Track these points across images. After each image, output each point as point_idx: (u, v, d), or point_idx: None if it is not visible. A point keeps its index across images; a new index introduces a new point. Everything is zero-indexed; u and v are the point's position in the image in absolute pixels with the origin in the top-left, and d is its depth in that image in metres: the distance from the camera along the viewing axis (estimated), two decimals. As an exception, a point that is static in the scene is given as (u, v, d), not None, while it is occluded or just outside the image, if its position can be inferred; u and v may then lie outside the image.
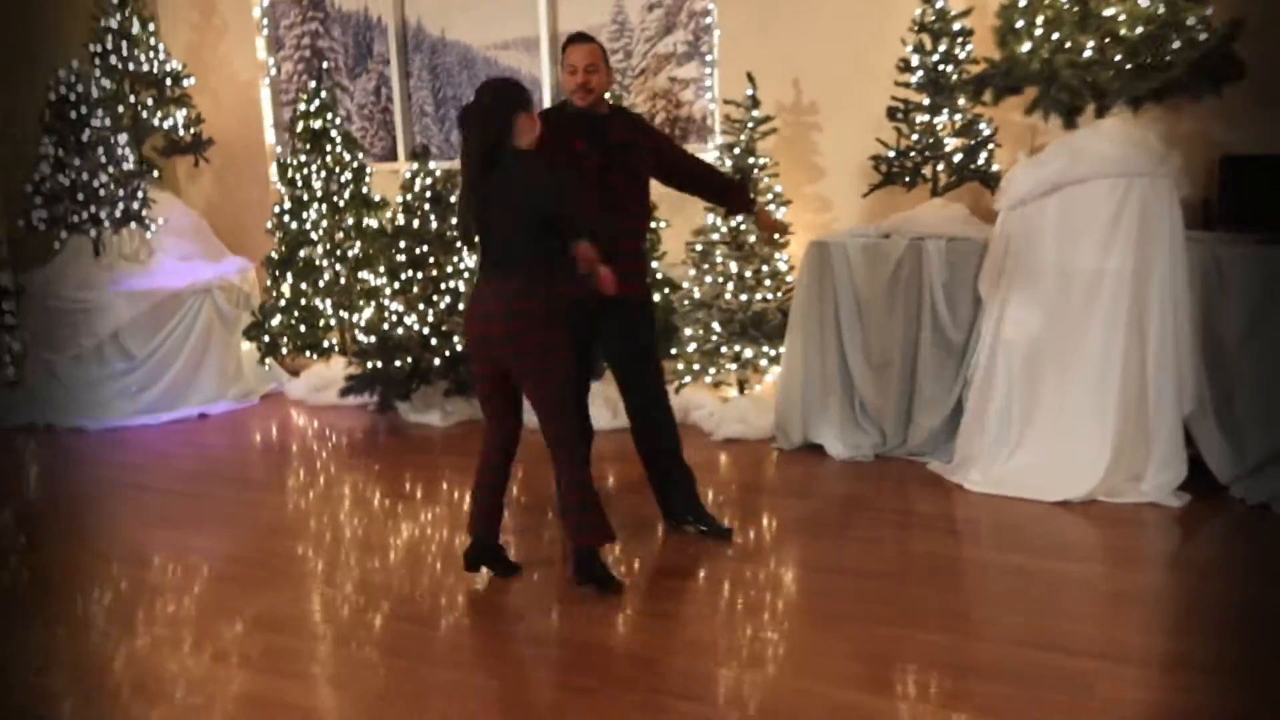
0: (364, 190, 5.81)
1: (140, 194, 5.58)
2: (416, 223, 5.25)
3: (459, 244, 5.16)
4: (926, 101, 4.41)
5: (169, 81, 6.04)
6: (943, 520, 3.75)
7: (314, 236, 5.76)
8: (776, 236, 3.82)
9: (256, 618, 3.10)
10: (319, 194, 5.76)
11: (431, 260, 5.23)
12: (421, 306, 5.21)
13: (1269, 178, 3.99)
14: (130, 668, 2.82)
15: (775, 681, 2.64)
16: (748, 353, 4.75)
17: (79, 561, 3.63)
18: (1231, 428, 3.86)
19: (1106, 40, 3.68)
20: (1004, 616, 2.96)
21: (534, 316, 3.00)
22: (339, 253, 5.74)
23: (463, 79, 5.99)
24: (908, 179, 4.53)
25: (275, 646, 2.91)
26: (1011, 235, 4.02)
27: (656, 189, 3.66)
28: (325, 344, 5.89)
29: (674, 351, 4.95)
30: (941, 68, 4.37)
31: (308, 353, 5.85)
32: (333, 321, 5.80)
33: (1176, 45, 3.61)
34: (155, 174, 6.19)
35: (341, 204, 5.78)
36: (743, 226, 4.73)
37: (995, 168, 4.44)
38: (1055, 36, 3.73)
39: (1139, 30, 3.64)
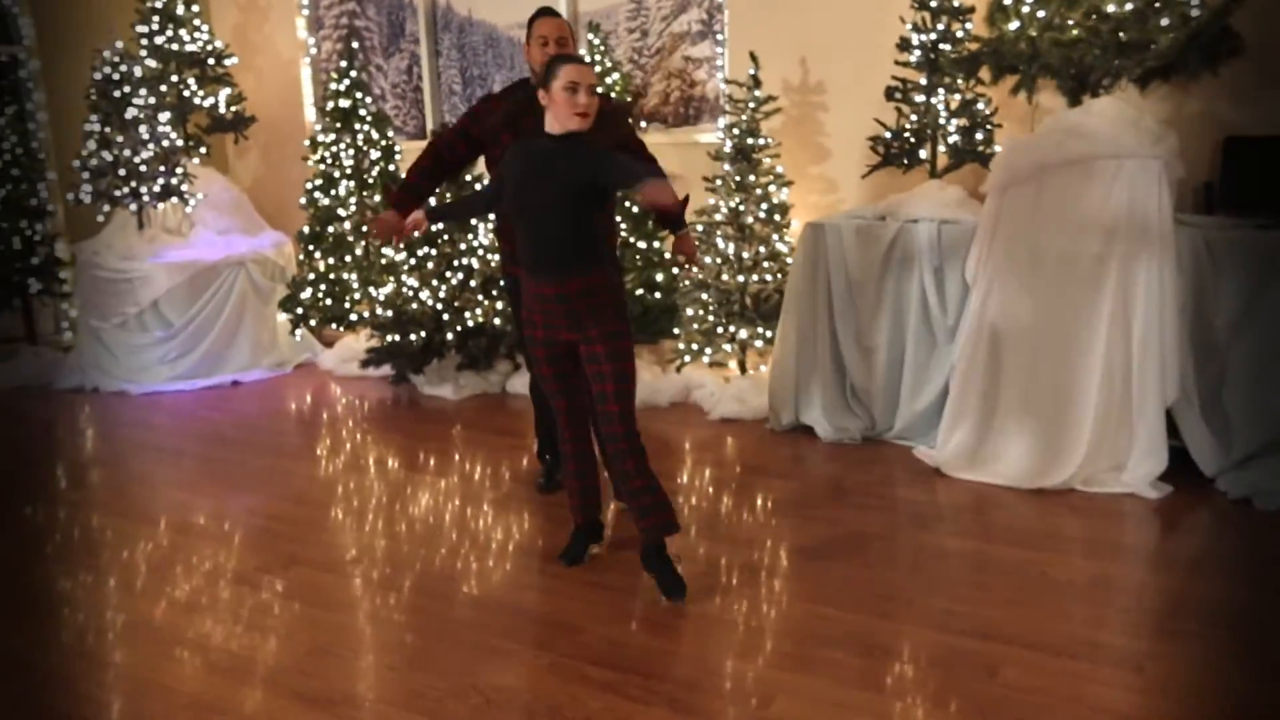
0: (391, 168, 6.00)
1: (180, 170, 5.87)
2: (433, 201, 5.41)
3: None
4: (924, 81, 4.35)
5: (211, 61, 6.31)
6: (910, 504, 3.74)
7: (341, 213, 5.98)
8: (687, 266, 3.79)
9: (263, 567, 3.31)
10: (349, 171, 5.97)
11: (445, 238, 5.39)
12: (435, 283, 5.38)
13: (1273, 160, 3.82)
14: (172, 615, 3.06)
15: (686, 652, 2.71)
16: (743, 333, 4.78)
17: (112, 510, 3.91)
18: (1219, 419, 3.74)
19: (1093, 18, 3.57)
20: (937, 601, 2.96)
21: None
22: (364, 229, 5.95)
23: (487, 58, 6.11)
24: (905, 160, 4.47)
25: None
26: (999, 218, 3.95)
27: None
28: (353, 317, 6.12)
29: (676, 331, 5.01)
30: (942, 47, 4.29)
31: (334, 325, 6.09)
32: (358, 295, 6.02)
33: (1165, 22, 3.48)
34: (204, 151, 6.49)
35: (370, 181, 5.99)
36: (742, 208, 4.75)
37: (996, 149, 4.35)
38: (1041, 14, 3.64)
39: (1128, 7, 3.53)
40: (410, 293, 5.44)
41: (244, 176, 7.12)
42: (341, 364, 6.10)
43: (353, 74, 5.93)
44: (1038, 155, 3.80)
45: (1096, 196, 3.71)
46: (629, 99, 5.34)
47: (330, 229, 6.01)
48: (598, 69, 5.12)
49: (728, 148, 4.73)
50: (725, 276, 4.79)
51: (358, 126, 5.97)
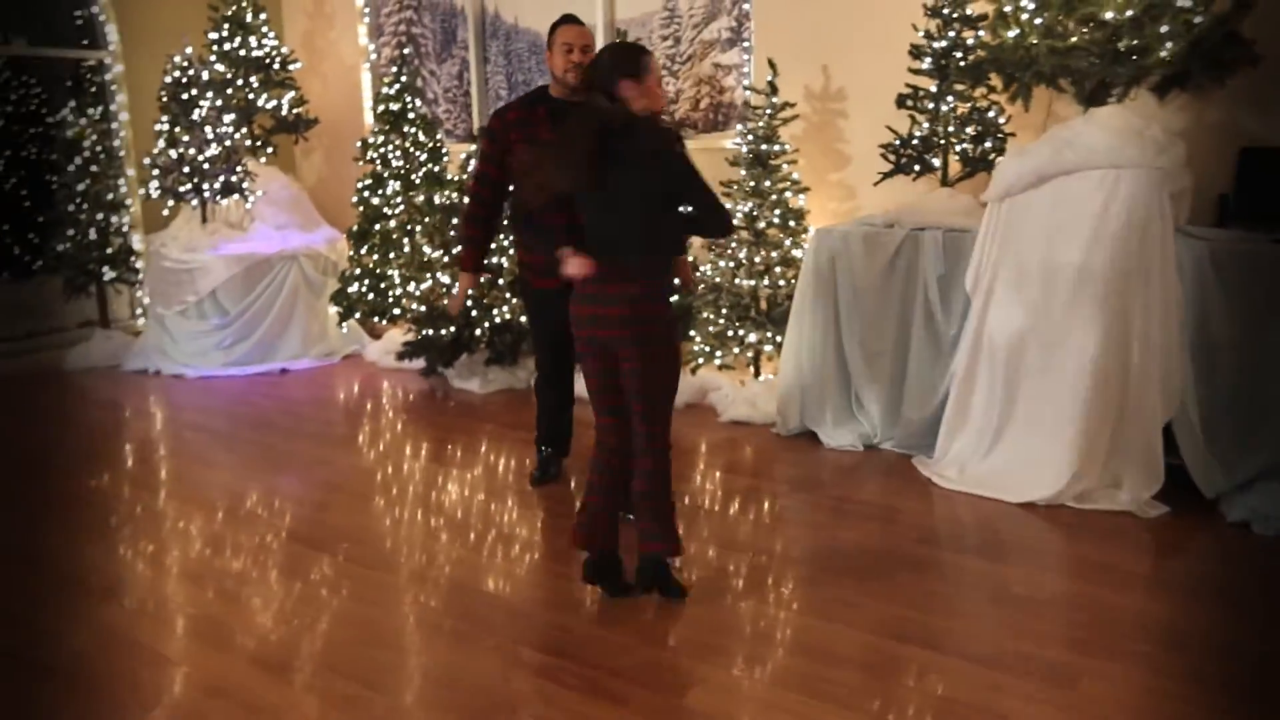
0: (435, 169, 6.22)
1: (240, 168, 6.22)
2: (467, 201, 5.60)
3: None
4: (934, 89, 4.32)
5: (275, 65, 6.66)
6: (893, 514, 3.72)
7: (388, 211, 6.23)
8: (684, 289, 3.79)
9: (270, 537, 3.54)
10: (398, 171, 6.22)
11: (477, 236, 5.57)
12: (465, 279, 5.56)
13: (1290, 173, 3.68)
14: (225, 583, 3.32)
15: (622, 641, 2.79)
16: (752, 337, 4.82)
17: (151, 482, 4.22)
18: (1221, 440, 3.61)
19: (1090, 25, 3.50)
20: (886, 607, 2.96)
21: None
22: (409, 227, 6.19)
23: (531, 64, 6.29)
24: (917, 168, 4.45)
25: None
26: (998, 228, 3.90)
27: None
28: (396, 311, 6.37)
29: (691, 333, 5.08)
30: (954, 54, 4.26)
31: (376, 318, 6.36)
32: (399, 291, 6.27)
33: (1164, 29, 3.39)
34: (270, 150, 6.86)
35: (416, 181, 6.23)
36: (755, 213, 4.79)
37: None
38: (1039, 22, 3.59)
39: (1128, 14, 3.45)
40: (443, 289, 5.64)
41: (309, 175, 7.48)
42: (384, 356, 6.37)
43: (403, 79, 6.18)
44: (1035, 165, 3.75)
45: (1095, 207, 3.64)
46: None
47: (377, 227, 6.27)
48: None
49: (744, 153, 4.78)
50: (738, 281, 4.83)
51: (407, 129, 6.22)
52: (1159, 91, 3.88)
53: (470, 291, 3.53)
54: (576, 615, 2.97)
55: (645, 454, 2.90)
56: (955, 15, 4.22)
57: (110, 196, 6.57)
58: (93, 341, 6.52)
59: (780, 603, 3.02)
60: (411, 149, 6.22)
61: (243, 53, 6.54)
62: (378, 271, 6.31)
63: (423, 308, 5.76)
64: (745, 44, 5.34)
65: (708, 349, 4.99)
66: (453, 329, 5.57)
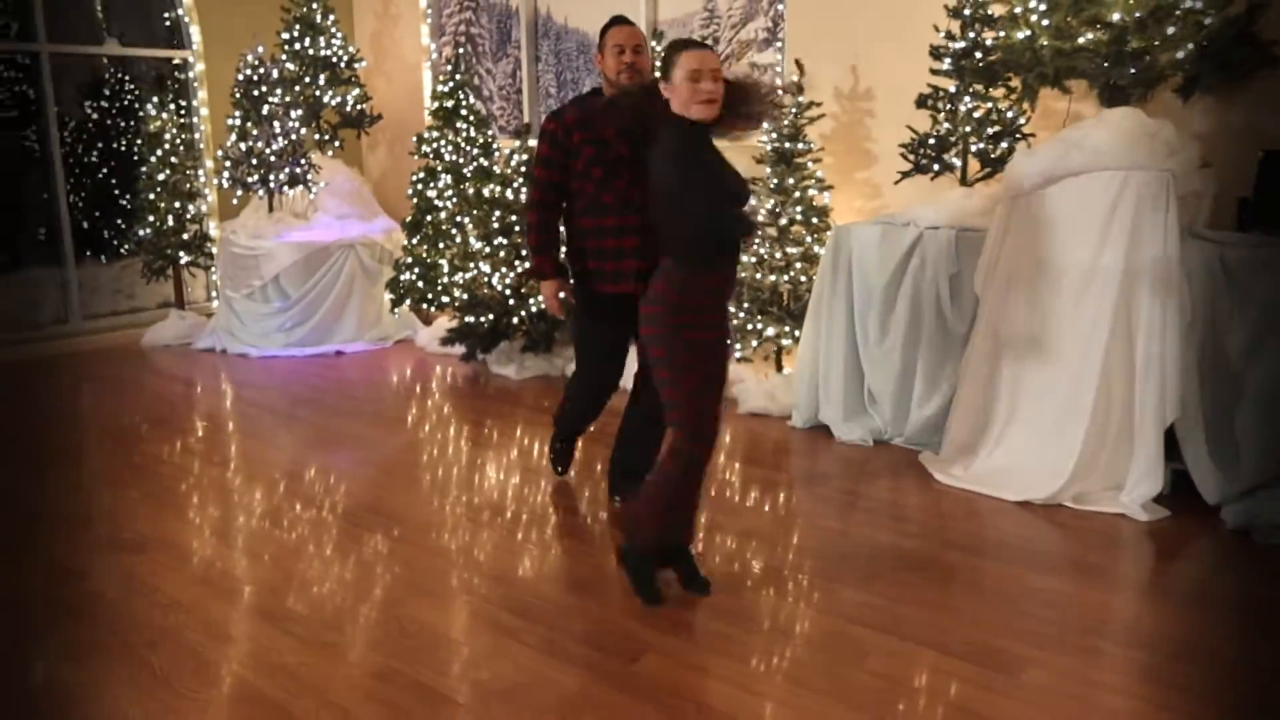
0: (484, 164, 6.46)
1: (304, 160, 6.57)
2: (510, 194, 5.83)
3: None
4: (953, 88, 4.34)
5: (341, 64, 7.01)
6: (889, 506, 3.78)
7: (439, 203, 6.50)
8: None
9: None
10: (450, 165, 6.49)
11: (518, 229, 5.79)
12: (504, 269, 5.79)
13: (1309, 177, 3.60)
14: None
15: (591, 610, 2.94)
16: (770, 330, 4.90)
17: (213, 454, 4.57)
18: (1227, 446, 3.57)
19: (1097, 27, 3.50)
20: (854, 593, 3.03)
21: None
22: (458, 218, 6.45)
23: (579, 63, 6.48)
24: (935, 167, 4.47)
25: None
26: (1006, 228, 3.92)
27: None
28: (445, 299, 6.64)
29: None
30: (973, 54, 4.27)
31: (425, 305, 6.63)
32: (446, 280, 6.53)
33: (1171, 31, 3.37)
34: (337, 144, 7.22)
35: (468, 174, 6.48)
36: (778, 210, 4.87)
37: (1028, 158, 4.28)
38: (1047, 23, 3.60)
39: (1136, 15, 3.44)
40: (485, 278, 5.88)
41: (374, 169, 7.83)
42: (432, 341, 6.65)
43: (457, 76, 6.44)
44: (1043, 165, 3.75)
45: (1102, 208, 3.63)
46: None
47: (429, 218, 6.55)
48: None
49: (769, 150, 4.87)
50: (759, 275, 4.93)
51: (460, 125, 6.47)
52: (1182, 93, 3.84)
53: (561, 295, 3.61)
54: (548, 584, 3.13)
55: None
56: (976, 16, 4.23)
57: (188, 186, 7.01)
58: (168, 321, 6.97)
59: (741, 583, 3.12)
60: (463, 144, 6.47)
61: (311, 52, 6.90)
62: (429, 260, 6.59)
63: (465, 295, 6.00)
64: (779, 44, 5.41)
65: (729, 342, 5.08)
66: (490, 317, 5.80)
